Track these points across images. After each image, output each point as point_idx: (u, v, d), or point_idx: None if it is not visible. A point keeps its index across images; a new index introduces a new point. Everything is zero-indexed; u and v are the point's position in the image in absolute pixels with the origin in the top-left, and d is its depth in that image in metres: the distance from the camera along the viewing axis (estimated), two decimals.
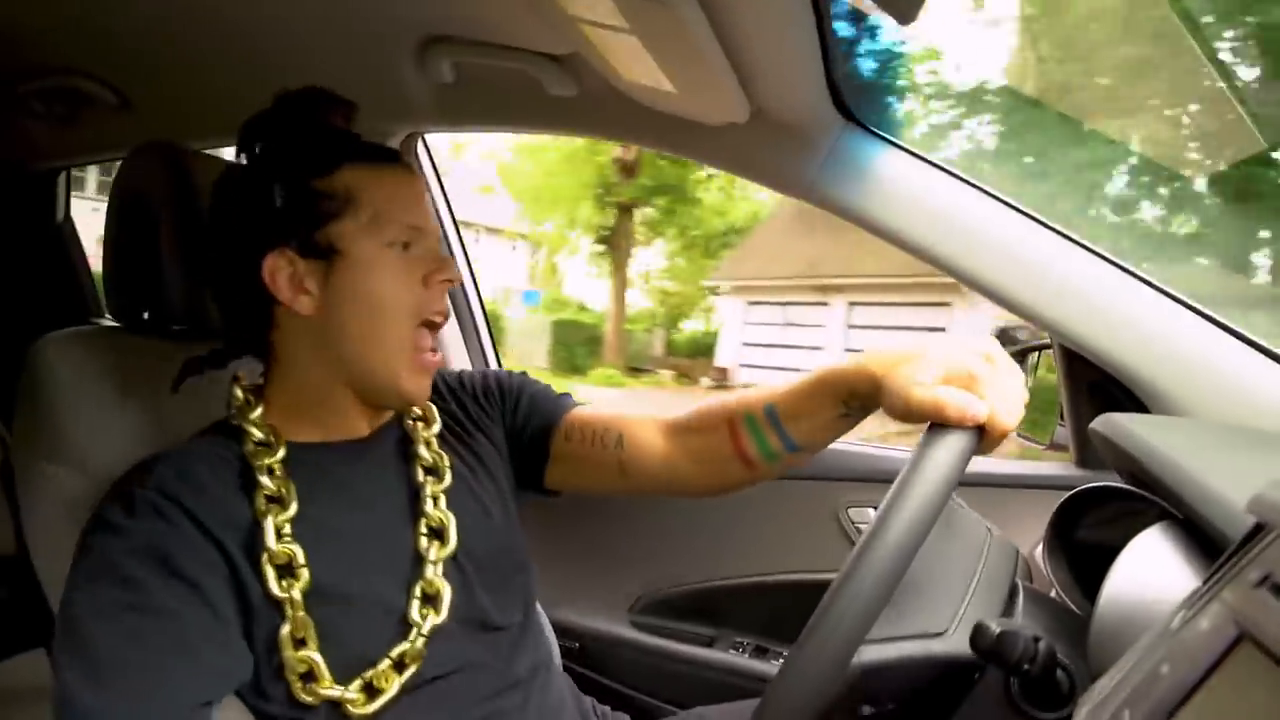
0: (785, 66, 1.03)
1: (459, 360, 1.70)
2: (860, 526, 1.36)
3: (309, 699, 0.83)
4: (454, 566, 0.94)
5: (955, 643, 0.81)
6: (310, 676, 0.83)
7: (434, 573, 0.92)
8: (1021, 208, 1.14)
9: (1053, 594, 0.90)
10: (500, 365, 1.76)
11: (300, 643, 0.83)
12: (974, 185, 1.16)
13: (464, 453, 1.04)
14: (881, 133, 1.20)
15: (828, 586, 0.71)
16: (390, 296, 0.90)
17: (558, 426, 1.07)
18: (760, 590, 1.42)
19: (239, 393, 0.93)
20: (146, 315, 1.12)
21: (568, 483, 1.09)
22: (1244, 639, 0.40)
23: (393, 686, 0.86)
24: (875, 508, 1.33)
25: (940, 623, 0.84)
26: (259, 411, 0.92)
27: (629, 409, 1.08)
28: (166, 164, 1.04)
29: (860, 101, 1.17)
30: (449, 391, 1.10)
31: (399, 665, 0.88)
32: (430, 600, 0.91)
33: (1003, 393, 0.73)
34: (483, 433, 1.07)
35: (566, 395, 1.12)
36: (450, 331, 1.69)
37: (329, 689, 0.83)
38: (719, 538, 1.32)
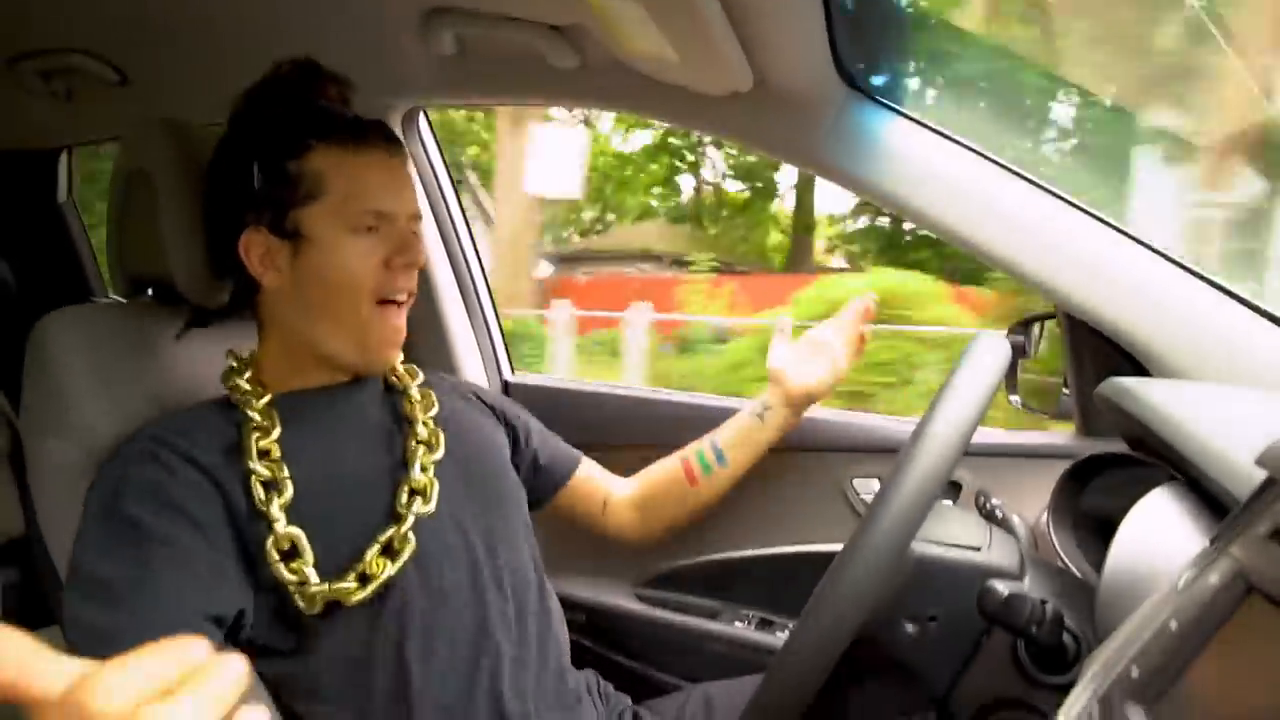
0: (788, 35, 1.03)
1: (472, 363, 1.68)
2: (865, 498, 1.36)
3: (306, 605, 0.86)
4: (444, 467, 1.00)
5: (994, 556, 0.82)
6: (305, 586, 0.87)
7: (421, 472, 0.97)
8: (1027, 175, 1.13)
9: (1058, 563, 0.90)
10: (511, 366, 1.74)
11: (289, 554, 0.87)
12: (979, 153, 1.15)
13: (462, 427, 1.08)
14: (886, 100, 1.19)
15: (833, 558, 0.72)
16: (348, 279, 0.94)
17: (567, 482, 1.24)
18: (765, 563, 1.42)
19: (233, 362, 0.99)
20: (150, 292, 1.12)
21: (550, 514, 1.25)
22: (1253, 592, 0.40)
23: (383, 571, 0.89)
24: (880, 479, 1.34)
25: (976, 538, 0.86)
26: (248, 374, 0.97)
27: (613, 480, 1.29)
28: (168, 140, 1.04)
29: (864, 69, 1.16)
30: (456, 390, 1.17)
31: (387, 550, 0.91)
32: (417, 493, 0.96)
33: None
34: (488, 424, 1.15)
35: (570, 451, 1.27)
36: (461, 331, 1.66)
37: (319, 587, 0.87)
38: (724, 511, 1.32)
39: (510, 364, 1.73)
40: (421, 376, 1.09)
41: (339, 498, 0.93)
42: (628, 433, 1.52)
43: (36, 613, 1.58)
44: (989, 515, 1.02)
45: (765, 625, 1.41)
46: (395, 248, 0.96)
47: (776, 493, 1.39)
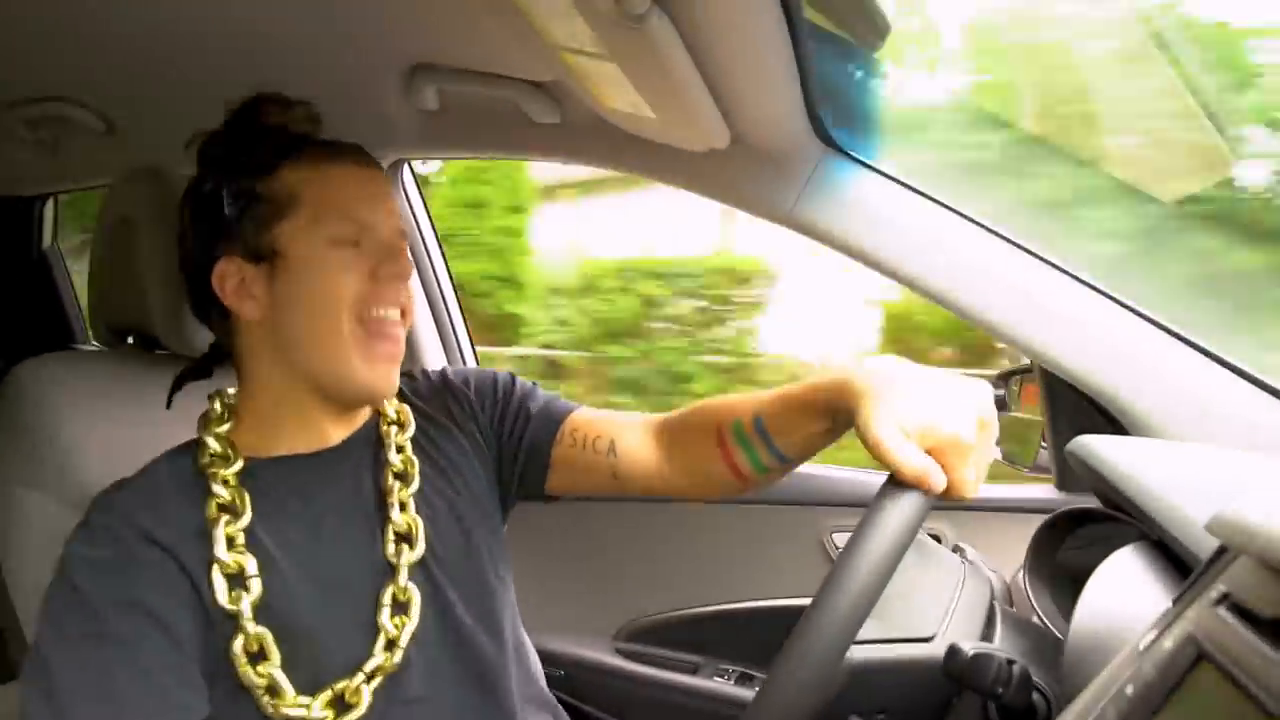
0: (763, 93, 1.04)
1: (434, 357, 1.69)
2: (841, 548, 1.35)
3: (274, 716, 0.82)
4: (422, 573, 0.92)
5: (949, 640, 0.80)
6: (274, 692, 0.82)
7: (404, 578, 0.90)
8: (1003, 232, 1.15)
9: (1034, 619, 0.90)
10: (477, 362, 1.74)
11: (257, 657, 0.82)
12: (956, 211, 1.17)
13: (437, 455, 1.00)
14: (862, 159, 1.21)
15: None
16: (331, 294, 0.88)
17: (557, 433, 1.02)
18: (745, 616, 1.41)
19: (217, 405, 0.92)
20: (130, 339, 1.12)
21: (561, 487, 1.05)
22: (1203, 659, 0.40)
23: (363, 700, 0.84)
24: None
25: (927, 627, 0.84)
26: (227, 426, 0.91)
27: (618, 415, 1.04)
28: (153, 190, 1.05)
29: (840, 127, 1.18)
30: (430, 391, 1.06)
31: (370, 678, 0.86)
32: (401, 608, 0.90)
33: (977, 462, 0.71)
34: (464, 434, 1.03)
35: (559, 398, 1.08)
36: (425, 328, 1.67)
37: (292, 705, 0.82)
38: (703, 564, 1.32)
39: (475, 356, 1.73)
40: (413, 428, 0.99)
41: (315, 597, 0.86)
42: None
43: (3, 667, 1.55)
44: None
45: (745, 679, 1.40)
46: (380, 258, 0.89)
47: (756, 545, 1.39)
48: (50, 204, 2.08)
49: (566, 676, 1.48)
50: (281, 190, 0.89)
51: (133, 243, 1.04)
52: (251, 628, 0.81)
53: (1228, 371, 1.04)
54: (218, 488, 0.85)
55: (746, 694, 1.36)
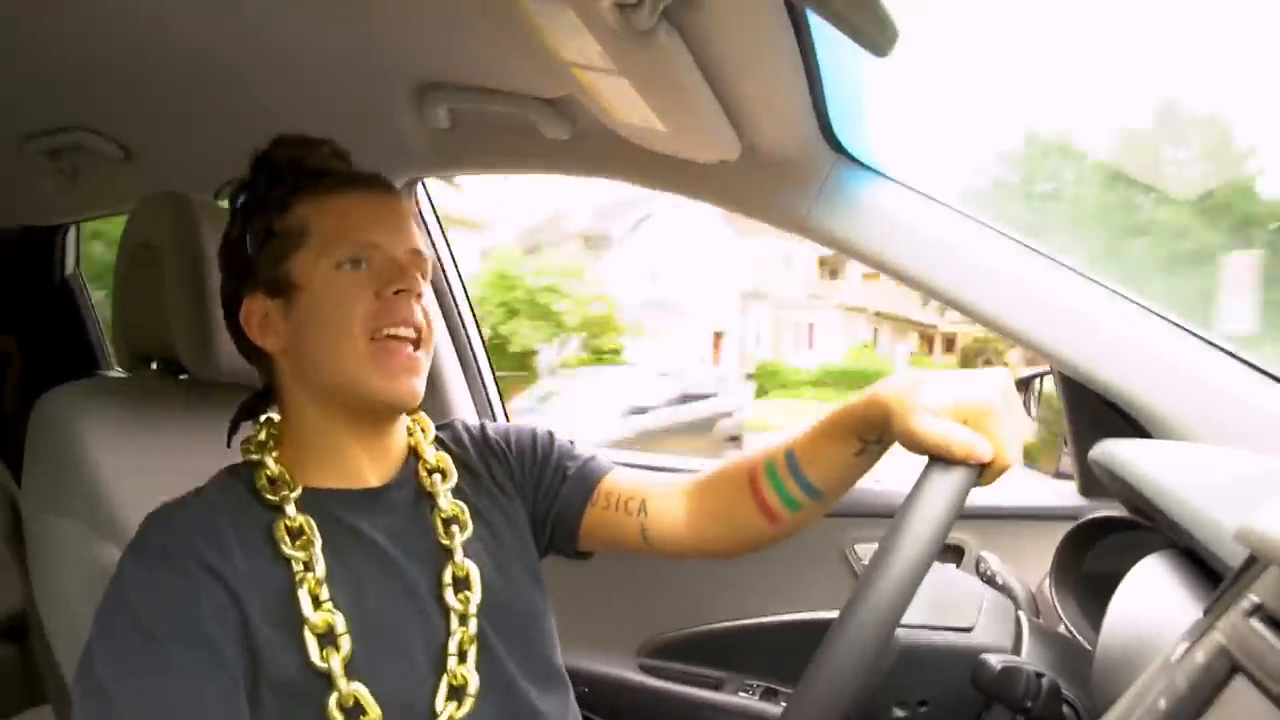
0: (773, 103, 1.04)
1: (463, 402, 1.70)
2: (867, 563, 1.34)
3: None
4: (479, 640, 0.91)
5: (986, 634, 0.80)
6: (359, 710, 0.82)
7: (474, 626, 0.90)
8: (1016, 237, 1.14)
9: (1061, 628, 0.88)
10: (503, 403, 1.75)
11: (353, 711, 0.82)
12: (968, 216, 1.16)
13: (478, 505, 1.00)
14: (874, 166, 1.20)
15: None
16: (341, 314, 0.88)
17: (592, 495, 1.03)
18: (768, 631, 1.40)
19: (263, 433, 0.93)
20: (154, 365, 1.13)
21: (591, 546, 1.06)
22: (1237, 672, 0.39)
23: None
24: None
25: (966, 618, 0.83)
26: (275, 454, 0.91)
27: (653, 475, 1.05)
28: (174, 214, 1.05)
29: (852, 135, 1.18)
30: (471, 442, 1.06)
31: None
32: (467, 657, 0.89)
33: (1011, 429, 0.72)
34: (502, 491, 1.03)
35: (596, 458, 1.07)
36: (451, 371, 1.68)
37: None
38: (725, 578, 1.31)
39: (505, 414, 1.73)
40: (455, 478, 0.99)
41: (378, 644, 0.86)
42: None
43: (32, 690, 1.57)
44: (989, 581, 1.00)
45: (770, 695, 1.38)
46: (387, 278, 0.89)
47: (778, 559, 1.37)
48: (72, 232, 2.11)
49: (590, 693, 1.47)
50: (294, 224, 0.90)
51: (154, 268, 1.05)
52: (345, 686, 0.81)
53: (1252, 373, 1.03)
54: (289, 549, 0.85)
55: (771, 709, 1.34)
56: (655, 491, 1.01)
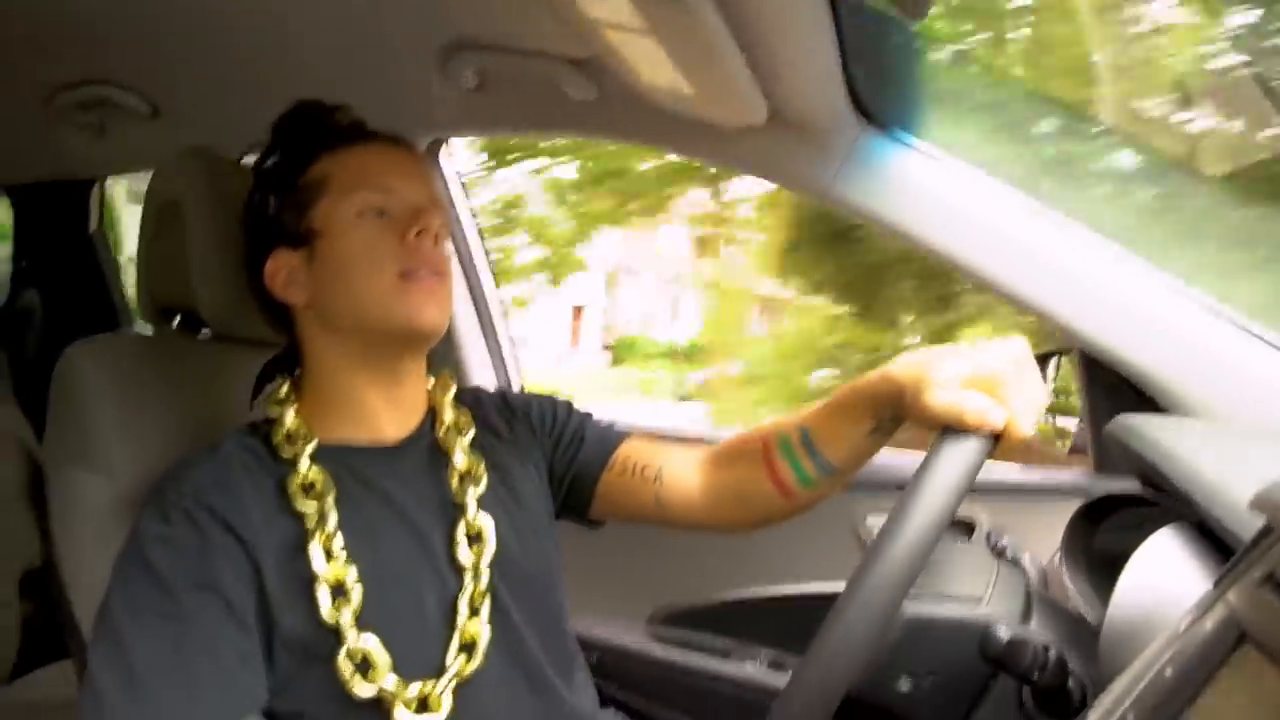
0: (802, 68, 1.04)
1: (484, 377, 1.71)
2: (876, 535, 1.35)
3: (365, 687, 0.82)
4: (491, 596, 0.92)
5: (994, 606, 0.80)
6: (367, 664, 0.83)
7: (485, 581, 0.91)
8: (1044, 208, 1.13)
9: (1070, 603, 0.89)
10: (519, 370, 1.76)
11: (363, 666, 0.83)
12: (995, 186, 1.15)
13: (499, 464, 1.01)
14: (901, 134, 1.19)
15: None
16: (365, 257, 0.90)
17: (609, 460, 1.04)
18: (777, 602, 1.40)
19: (284, 387, 0.94)
20: (177, 321, 1.14)
21: (604, 513, 1.08)
22: (1246, 640, 0.39)
23: (443, 706, 0.85)
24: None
25: (976, 589, 0.83)
26: (294, 407, 0.93)
27: (670, 446, 1.06)
28: (201, 171, 1.06)
29: (879, 102, 1.17)
30: (490, 405, 1.07)
31: (451, 682, 0.87)
32: (476, 610, 0.90)
33: (1025, 398, 0.72)
34: (521, 451, 1.04)
35: (613, 426, 1.09)
36: (470, 336, 1.69)
37: (386, 677, 0.83)
38: (736, 550, 1.31)
39: (521, 382, 1.74)
40: (473, 432, 0.99)
41: (390, 597, 0.87)
42: None
43: (52, 645, 1.59)
44: (1000, 555, 1.00)
45: (777, 665, 1.39)
46: (408, 222, 0.91)
47: (789, 531, 1.37)
48: (96, 188, 2.12)
49: (601, 660, 1.49)
50: (314, 177, 0.92)
51: (179, 225, 1.06)
52: (356, 638, 0.83)
53: (1269, 350, 1.02)
54: (302, 504, 0.86)
55: (779, 679, 1.36)
56: (672, 461, 1.03)
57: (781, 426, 0.95)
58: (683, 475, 1.02)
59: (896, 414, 0.85)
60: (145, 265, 1.12)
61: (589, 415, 1.10)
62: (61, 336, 1.09)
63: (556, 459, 1.06)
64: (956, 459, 0.68)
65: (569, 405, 1.10)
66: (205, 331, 1.12)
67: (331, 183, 0.92)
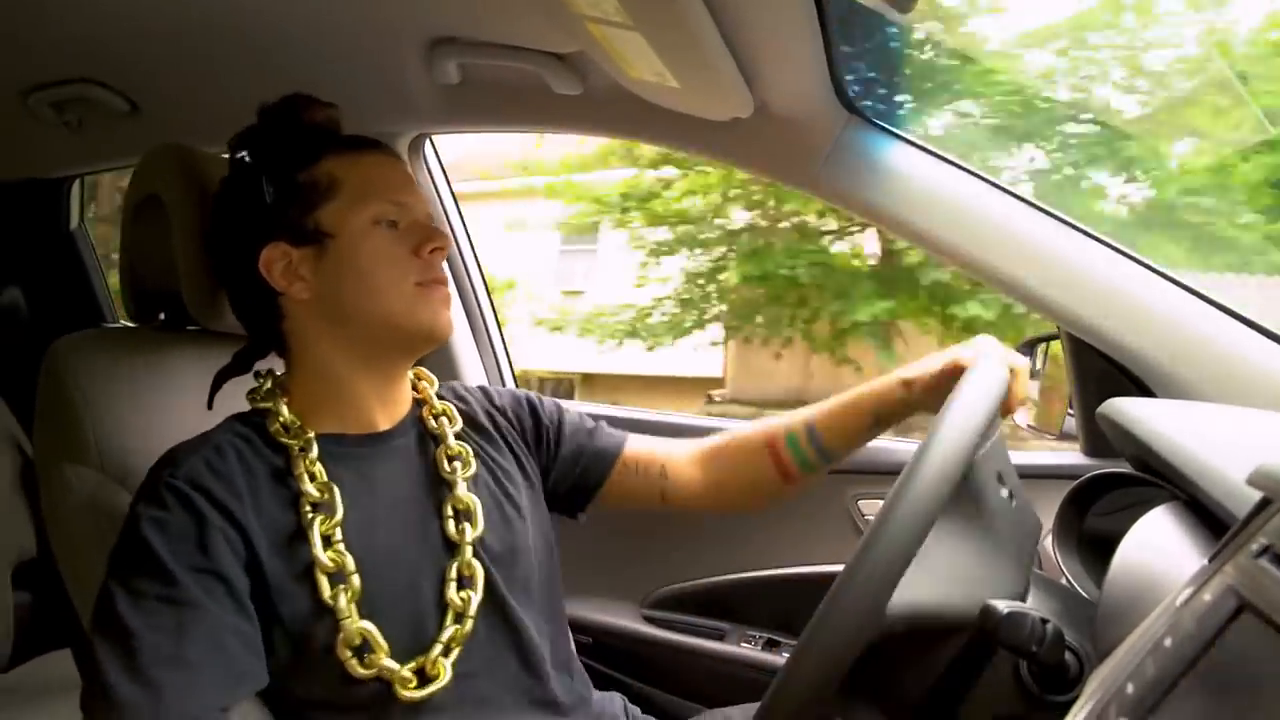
0: (788, 61, 1.04)
1: (474, 373, 1.71)
2: (870, 518, 1.36)
3: (364, 672, 0.84)
4: (480, 568, 0.94)
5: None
6: (366, 648, 0.85)
7: (469, 555, 0.93)
8: (1026, 197, 1.14)
9: (1064, 582, 0.90)
10: (512, 367, 1.76)
11: (362, 649, 0.85)
12: (978, 176, 1.16)
13: (485, 454, 1.03)
14: (886, 125, 1.20)
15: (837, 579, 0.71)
16: (381, 268, 0.93)
17: (614, 465, 1.10)
18: (771, 584, 1.42)
19: (268, 382, 0.96)
20: (162, 316, 1.13)
21: (603, 507, 1.12)
22: (1245, 609, 0.40)
23: (445, 673, 0.87)
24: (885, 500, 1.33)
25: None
26: (286, 399, 0.94)
27: (667, 441, 1.13)
28: (180, 166, 1.05)
29: (865, 94, 1.18)
30: (474, 400, 1.09)
31: (447, 650, 0.89)
32: (467, 582, 0.93)
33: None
34: (508, 444, 1.07)
35: (604, 427, 1.14)
36: (460, 334, 1.68)
37: (385, 660, 0.85)
38: (729, 532, 1.32)
39: (513, 375, 1.74)
40: (460, 423, 1.03)
41: (395, 573, 0.90)
42: None
43: (49, 634, 1.59)
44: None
45: (772, 646, 1.41)
46: (420, 239, 0.95)
47: (782, 513, 1.39)
48: (77, 185, 2.09)
49: (595, 643, 1.49)
50: (323, 176, 0.94)
51: (160, 220, 1.05)
52: (355, 624, 0.84)
53: (1255, 333, 1.04)
54: (307, 486, 0.88)
55: (773, 660, 1.37)
56: (673, 456, 1.11)
57: (788, 423, 1.06)
58: (686, 468, 1.10)
59: (895, 410, 1.01)
60: (127, 261, 1.12)
61: (577, 416, 1.14)
62: (47, 333, 1.08)
63: (551, 458, 1.09)
64: (982, 385, 0.73)
65: (556, 405, 1.13)
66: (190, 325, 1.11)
67: (343, 187, 0.94)
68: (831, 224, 5.72)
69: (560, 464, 1.09)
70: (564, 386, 8.66)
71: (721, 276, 5.99)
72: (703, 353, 7.16)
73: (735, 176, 5.55)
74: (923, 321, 5.59)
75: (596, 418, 1.15)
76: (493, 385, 1.68)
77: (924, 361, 0.99)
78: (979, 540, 0.82)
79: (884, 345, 5.58)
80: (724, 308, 6.05)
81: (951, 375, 0.94)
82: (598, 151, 5.91)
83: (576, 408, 1.18)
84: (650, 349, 5.93)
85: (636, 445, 1.12)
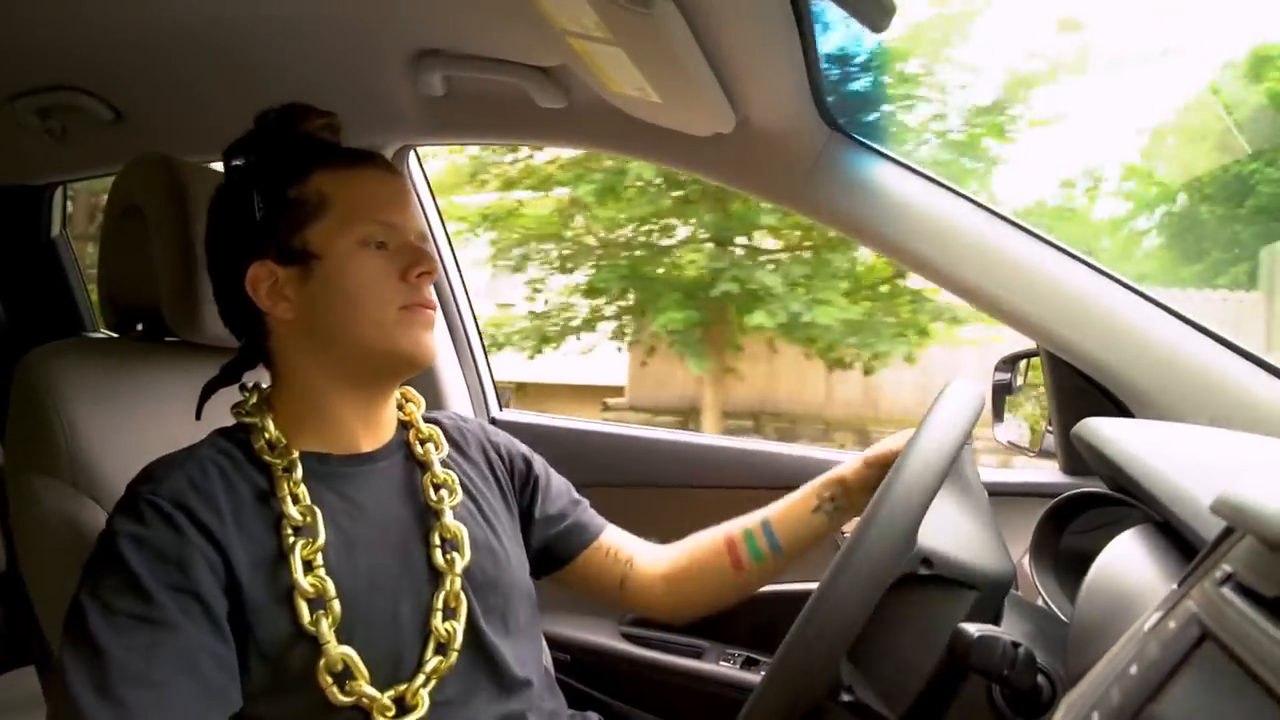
0: (769, 77, 1.05)
1: (460, 401, 1.70)
2: (847, 535, 1.36)
3: (344, 699, 0.83)
4: (464, 599, 0.93)
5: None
6: (347, 674, 0.83)
7: (457, 585, 0.92)
8: (1007, 215, 1.15)
9: (1039, 602, 0.90)
10: (494, 380, 1.75)
11: (343, 675, 0.83)
12: (960, 194, 1.17)
13: (466, 480, 1.02)
14: (868, 142, 1.21)
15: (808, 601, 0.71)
16: (367, 290, 0.91)
17: (590, 546, 1.11)
18: (749, 602, 1.41)
19: (254, 397, 0.94)
20: (140, 327, 1.12)
21: (562, 583, 1.13)
22: (1207, 638, 0.40)
23: (423, 703, 0.86)
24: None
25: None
26: (271, 416, 0.92)
27: (640, 541, 1.16)
28: (161, 176, 1.05)
29: (846, 111, 1.18)
30: (464, 430, 1.09)
31: (427, 681, 0.87)
32: (452, 613, 0.91)
33: None
34: (498, 482, 1.07)
35: (588, 507, 1.15)
36: (449, 368, 1.67)
37: (365, 687, 0.83)
38: None
39: (499, 401, 1.73)
40: (446, 449, 1.02)
41: (377, 599, 0.88)
42: (618, 471, 1.51)
43: (16, 650, 1.57)
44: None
45: (750, 664, 1.40)
46: (408, 262, 0.93)
47: None
48: (59, 192, 2.08)
49: (572, 661, 1.48)
50: (312, 193, 0.91)
51: (141, 230, 1.04)
52: (335, 649, 0.82)
53: (1232, 354, 1.05)
54: (289, 509, 0.86)
55: (750, 678, 1.36)
56: (640, 550, 1.14)
57: (748, 522, 1.10)
58: (650, 562, 1.12)
59: (843, 495, 1.05)
60: (106, 271, 1.11)
61: (563, 485, 1.15)
62: (25, 342, 1.07)
63: (531, 506, 1.10)
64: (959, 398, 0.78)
65: (544, 466, 1.14)
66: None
67: (332, 207, 0.92)
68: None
69: (540, 521, 1.09)
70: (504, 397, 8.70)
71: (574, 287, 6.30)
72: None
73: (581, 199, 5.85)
74: (717, 329, 5.93)
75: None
76: (476, 405, 1.69)
77: (849, 457, 1.08)
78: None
79: (695, 353, 5.85)
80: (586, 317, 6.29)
81: (878, 465, 1.02)
82: (453, 179, 6.21)
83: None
84: (531, 357, 6.17)
85: (613, 534, 1.14)
